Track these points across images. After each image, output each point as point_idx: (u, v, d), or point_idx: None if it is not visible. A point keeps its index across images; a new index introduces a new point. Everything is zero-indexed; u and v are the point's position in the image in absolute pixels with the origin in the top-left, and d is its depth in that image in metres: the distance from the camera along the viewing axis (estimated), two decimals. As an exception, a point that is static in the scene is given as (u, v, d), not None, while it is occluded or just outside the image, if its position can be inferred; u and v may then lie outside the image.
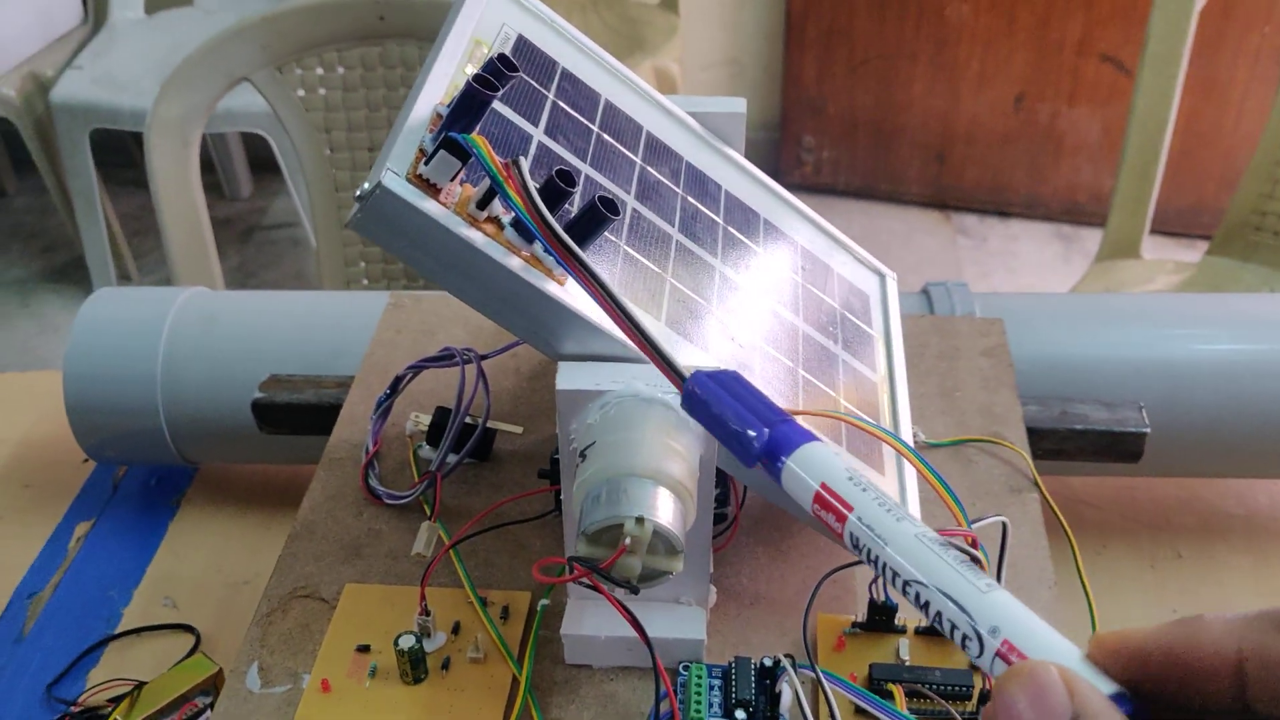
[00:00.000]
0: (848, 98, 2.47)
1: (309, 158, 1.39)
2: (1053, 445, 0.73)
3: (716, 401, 0.42)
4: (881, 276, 0.66)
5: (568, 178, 0.45)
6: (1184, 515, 0.90)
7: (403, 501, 0.62)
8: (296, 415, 0.77)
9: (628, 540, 0.42)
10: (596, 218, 0.45)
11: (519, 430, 0.65)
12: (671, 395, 0.46)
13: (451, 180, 0.45)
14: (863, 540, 0.37)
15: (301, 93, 1.39)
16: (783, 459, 0.40)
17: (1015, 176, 2.48)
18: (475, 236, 0.45)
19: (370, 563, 0.59)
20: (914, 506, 0.54)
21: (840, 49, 2.41)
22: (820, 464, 0.40)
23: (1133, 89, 1.54)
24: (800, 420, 0.44)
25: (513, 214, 0.46)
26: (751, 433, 0.41)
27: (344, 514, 0.62)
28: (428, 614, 0.54)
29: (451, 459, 0.62)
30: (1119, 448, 0.73)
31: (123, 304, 0.92)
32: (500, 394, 0.68)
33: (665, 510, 0.43)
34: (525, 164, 0.44)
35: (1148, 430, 0.72)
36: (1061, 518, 0.62)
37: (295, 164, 2.18)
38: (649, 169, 0.57)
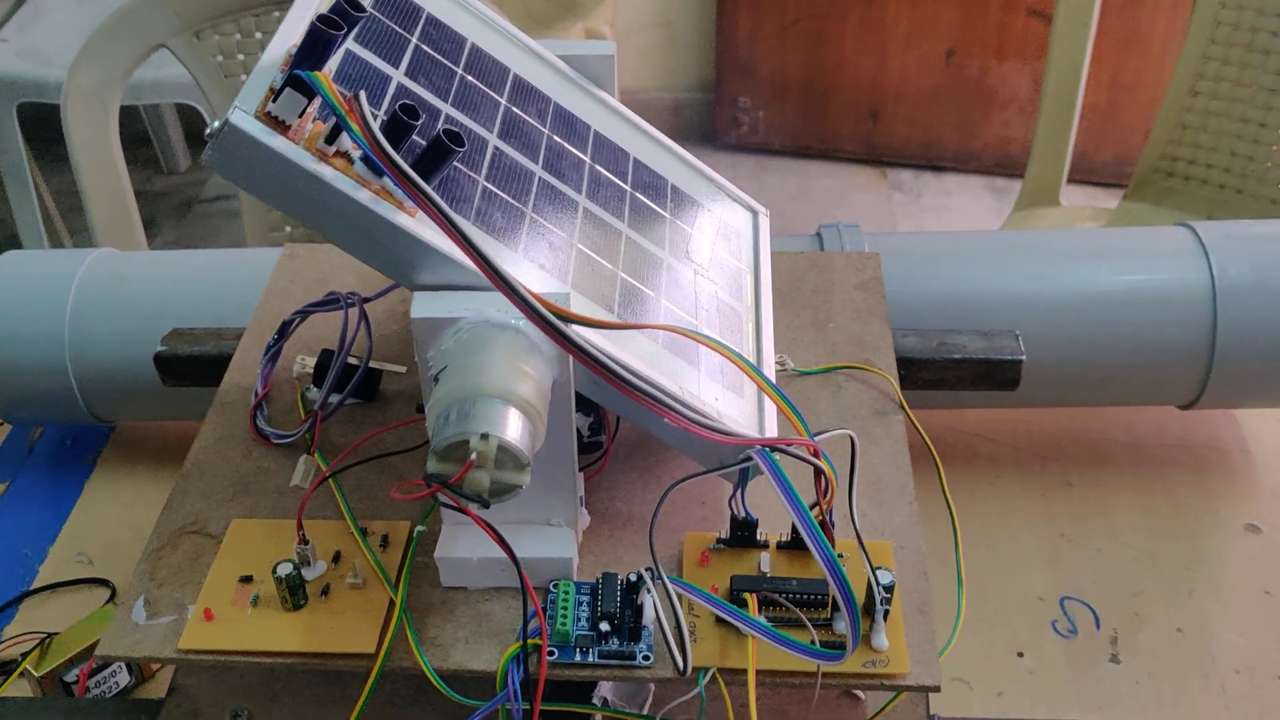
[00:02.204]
0: (780, 58, 2.48)
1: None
2: (932, 375, 0.75)
3: None
4: (754, 213, 0.69)
5: (411, 111, 0.46)
6: (1073, 445, 0.94)
7: (288, 440, 0.63)
8: (198, 367, 0.78)
9: (474, 455, 0.44)
10: (442, 149, 0.47)
11: (403, 369, 0.66)
12: (522, 321, 0.48)
13: (300, 117, 0.47)
14: None
15: (220, 58, 1.40)
16: None
17: (947, 131, 2.51)
18: (324, 171, 0.47)
19: (258, 499, 0.61)
20: (771, 429, 0.57)
21: (771, 10, 2.43)
22: None
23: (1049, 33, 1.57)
24: (660, 352, 0.47)
25: (361, 149, 0.48)
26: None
27: (233, 454, 0.64)
28: (306, 543, 0.56)
29: (335, 399, 0.64)
30: (996, 375, 0.76)
31: (29, 265, 0.93)
32: (388, 336, 0.69)
33: (510, 427, 0.45)
34: (365, 97, 0.45)
35: (1023, 357, 0.75)
36: (926, 437, 0.65)
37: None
38: (514, 109, 0.59)
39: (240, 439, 0.65)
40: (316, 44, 0.46)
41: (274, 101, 0.46)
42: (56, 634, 0.77)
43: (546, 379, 0.48)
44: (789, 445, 0.49)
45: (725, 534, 0.57)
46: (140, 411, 0.93)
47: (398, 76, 0.54)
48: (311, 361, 0.66)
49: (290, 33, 0.50)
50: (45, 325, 0.89)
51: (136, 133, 2.63)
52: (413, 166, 0.48)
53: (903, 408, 0.65)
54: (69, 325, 0.88)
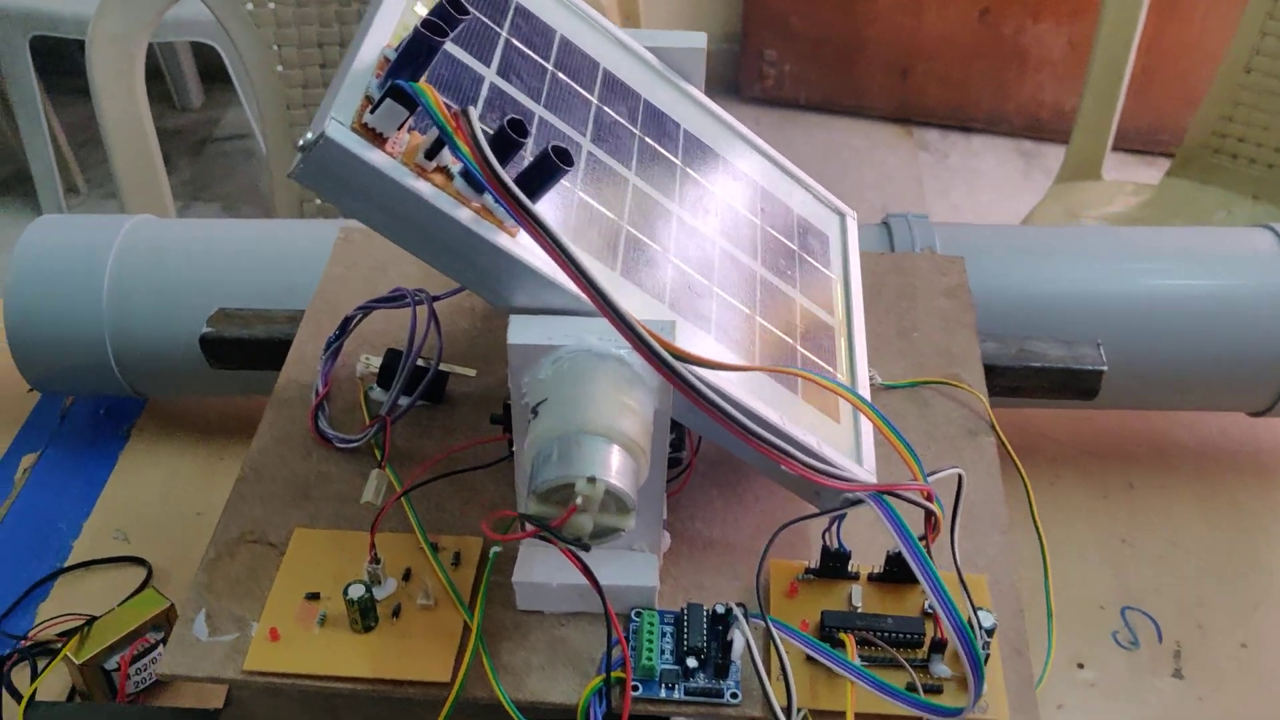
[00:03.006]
0: (811, 11, 2.43)
1: (259, 74, 1.35)
2: (1010, 383, 0.73)
3: None
4: (841, 216, 0.66)
5: (520, 127, 0.43)
6: (1136, 446, 0.91)
7: (353, 445, 0.61)
8: (246, 350, 0.76)
9: (579, 500, 0.42)
10: (549, 168, 0.44)
11: (472, 373, 0.64)
12: (625, 350, 0.45)
13: (399, 129, 0.44)
14: None
15: (250, 6, 1.35)
16: None
17: (979, 92, 2.47)
18: (423, 188, 0.44)
19: (319, 506, 0.59)
20: (869, 455, 0.54)
21: (805, -39, 2.37)
22: None
23: (1099, 5, 1.52)
24: (758, 374, 0.44)
25: (462, 164, 0.45)
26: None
27: (292, 457, 0.61)
28: (377, 562, 0.54)
29: (403, 402, 0.61)
30: (1076, 385, 0.73)
31: (65, 232, 0.89)
32: (454, 335, 0.66)
33: (617, 468, 0.43)
34: (475, 114, 0.42)
35: (1105, 368, 0.73)
36: (1017, 461, 0.62)
37: (245, 76, 2.13)
38: (605, 109, 0.56)
39: (299, 440, 0.62)
40: (419, 51, 0.43)
41: (372, 113, 0.43)
42: (96, 618, 0.75)
43: (649, 411, 0.46)
44: (905, 490, 0.46)
45: (814, 563, 0.55)
46: (180, 387, 0.91)
47: (490, 76, 0.51)
48: (376, 361, 0.63)
49: (381, 32, 0.47)
50: (82, 296, 0.85)
51: (149, 68, 2.57)
52: (517, 183, 0.44)
53: (993, 428, 0.62)
54: (106, 297, 0.85)
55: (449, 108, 0.42)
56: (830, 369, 0.56)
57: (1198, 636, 0.79)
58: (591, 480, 0.42)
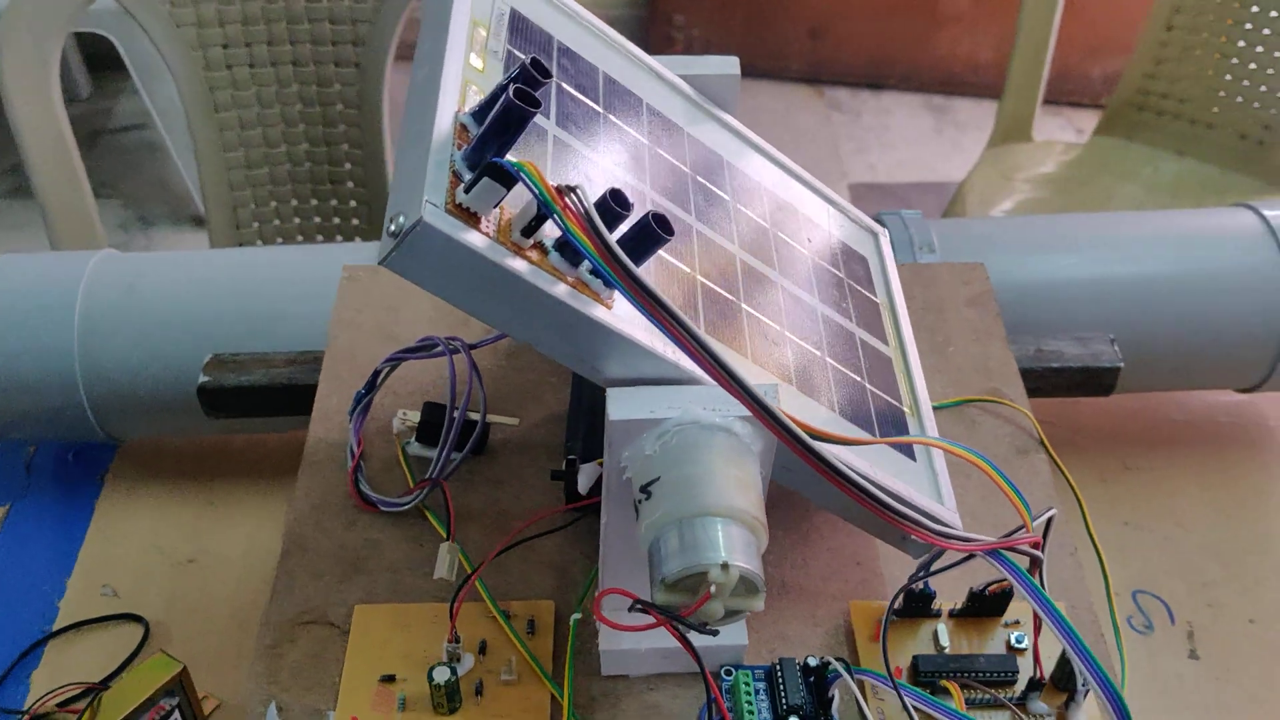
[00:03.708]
0: (720, -27, 2.41)
1: (186, 78, 1.29)
2: (1029, 384, 0.73)
3: None
4: (874, 235, 0.64)
5: (622, 200, 0.41)
6: (1129, 427, 0.93)
7: (402, 508, 0.58)
8: (246, 399, 0.72)
9: (713, 587, 0.40)
10: (651, 237, 0.42)
11: (515, 422, 0.61)
12: (733, 419, 0.44)
13: (494, 207, 0.41)
14: None
15: (169, 7, 1.28)
16: None
17: (892, 48, 2.48)
18: (521, 266, 0.41)
19: (374, 578, 0.56)
20: (948, 494, 0.53)
21: (711, -78, 2.35)
22: None
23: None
24: (841, 449, 0.43)
25: (556, 237, 0.42)
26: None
27: (334, 525, 0.58)
28: (457, 640, 0.51)
29: (449, 457, 0.59)
30: (1094, 383, 0.74)
31: (28, 270, 0.84)
32: (488, 381, 0.64)
33: (745, 550, 0.41)
34: (585, 194, 0.40)
35: (1121, 365, 0.73)
36: (1069, 476, 0.62)
37: (144, 65, 2.03)
38: (660, 151, 0.54)
39: (338, 506, 0.59)
40: (512, 123, 0.40)
41: (467, 192, 0.40)
42: (106, 688, 0.71)
43: (759, 481, 0.44)
44: (1020, 544, 0.46)
45: (889, 597, 0.54)
46: (163, 429, 0.86)
47: (551, 128, 0.48)
48: (415, 416, 0.60)
49: (450, 96, 0.44)
50: (51, 338, 0.80)
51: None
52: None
53: (1043, 444, 0.62)
54: (78, 338, 0.80)
55: (551, 185, 0.40)
56: (897, 403, 0.56)
57: (1208, 616, 0.81)
58: (725, 567, 0.40)
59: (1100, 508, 0.87)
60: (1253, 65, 1.50)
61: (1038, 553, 0.46)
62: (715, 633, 0.42)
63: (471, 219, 0.41)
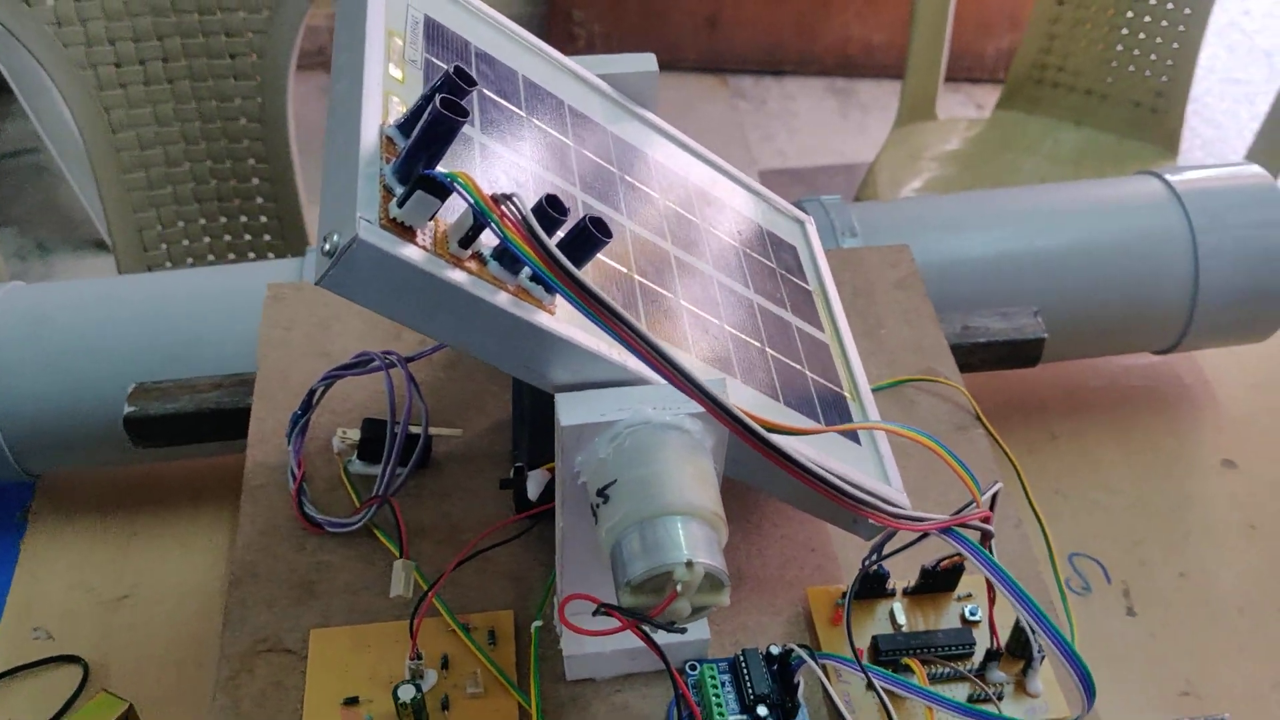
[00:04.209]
0: (613, -34, 2.41)
1: (77, 99, 1.25)
2: (958, 360, 0.74)
3: None
4: (801, 224, 0.65)
5: (559, 205, 0.41)
6: (1052, 396, 0.95)
7: (350, 529, 0.57)
8: (174, 427, 0.71)
9: (679, 586, 0.40)
10: (589, 241, 0.42)
11: (459, 433, 0.61)
12: (684, 417, 0.44)
13: (429, 219, 0.41)
14: None
15: (51, 28, 1.24)
16: None
17: (786, 34, 2.50)
18: (460, 278, 0.41)
19: (328, 601, 0.55)
20: (894, 474, 0.54)
21: (602, -83, 2.34)
22: None
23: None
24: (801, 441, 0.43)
25: (495, 246, 0.42)
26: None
27: (284, 549, 0.57)
28: (419, 658, 0.51)
29: (399, 473, 0.58)
30: (1019, 355, 0.75)
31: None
32: (427, 393, 0.63)
33: (708, 547, 0.41)
34: (523, 202, 0.39)
35: (1045, 336, 0.75)
36: (1008, 449, 0.63)
37: (30, 85, 1.97)
38: (585, 152, 0.53)
39: (286, 530, 0.58)
40: (441, 134, 0.40)
41: (400, 206, 0.40)
42: (50, 738, 0.70)
43: (715, 476, 0.44)
44: (971, 520, 0.46)
45: (847, 585, 0.55)
46: (84, 461, 0.84)
47: (477, 135, 0.48)
48: (355, 434, 0.59)
49: (373, 108, 0.43)
50: (-41, 379, 0.78)
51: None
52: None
53: (980, 419, 0.63)
54: (-12, 378, 0.78)
55: (488, 195, 0.40)
56: (838, 388, 0.56)
57: (1142, 574, 0.83)
58: (689, 565, 0.40)
59: (1031, 478, 0.89)
60: (1142, 35, 1.54)
61: (988, 527, 0.47)
62: (684, 630, 0.42)
63: (407, 233, 0.40)
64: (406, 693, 0.49)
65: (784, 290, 0.58)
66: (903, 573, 0.55)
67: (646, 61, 0.59)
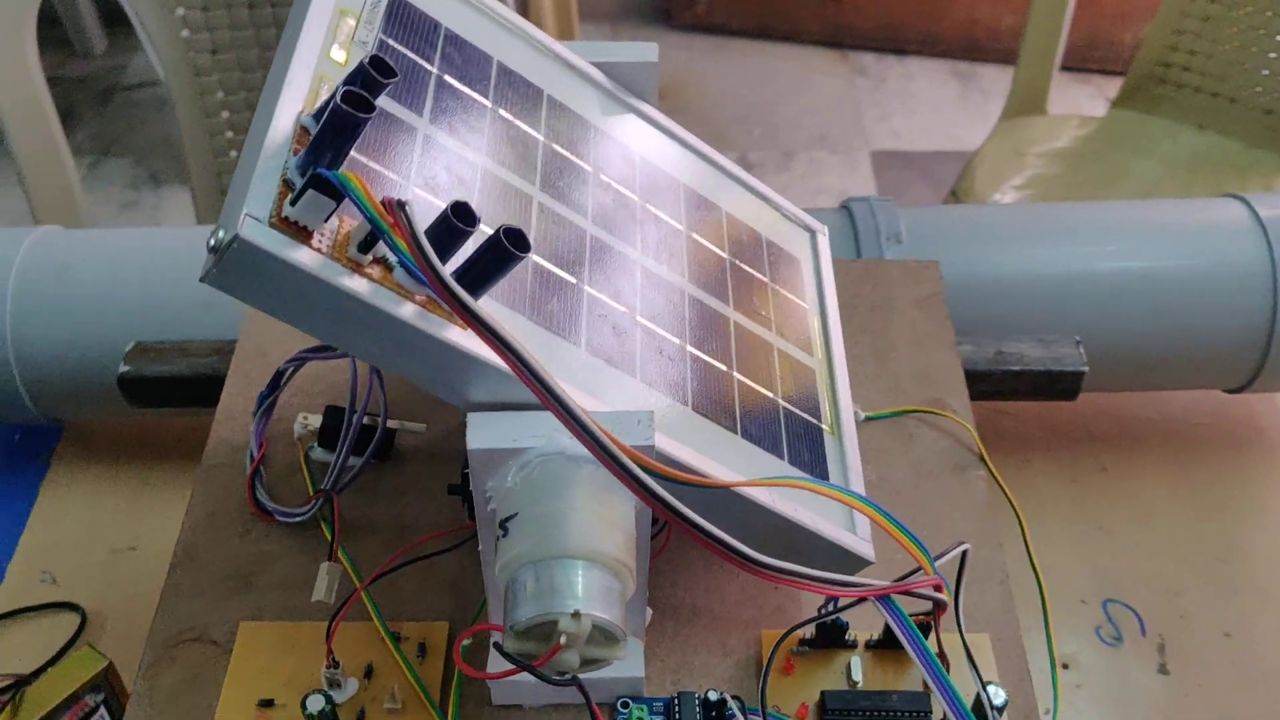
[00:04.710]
0: (740, -67, 2.35)
1: (163, 40, 1.26)
2: (989, 388, 0.69)
3: None
4: (811, 233, 0.60)
5: (466, 214, 0.38)
6: (1106, 427, 0.88)
7: (297, 520, 0.55)
8: (167, 389, 0.70)
9: (563, 638, 0.37)
10: (502, 256, 0.38)
11: (422, 428, 0.58)
12: (599, 450, 0.40)
13: (325, 220, 0.38)
14: None
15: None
16: None
17: (912, 13, 2.40)
18: (359, 286, 0.38)
19: (264, 594, 0.53)
20: (861, 519, 0.50)
21: (731, -120, 2.28)
22: None
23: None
24: (745, 490, 0.39)
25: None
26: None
27: (229, 534, 0.56)
28: (336, 665, 0.49)
29: (353, 462, 0.56)
30: (1056, 387, 0.70)
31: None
32: (393, 383, 0.61)
33: (602, 598, 0.38)
34: (414, 210, 0.36)
35: (1085, 369, 0.69)
36: (1012, 499, 0.59)
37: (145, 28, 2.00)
38: (556, 147, 0.50)
39: (235, 514, 0.56)
40: (342, 129, 0.37)
41: (292, 204, 0.37)
42: (29, 684, 0.70)
43: (632, 518, 0.41)
44: (917, 588, 0.42)
45: (809, 633, 0.51)
46: (96, 412, 0.84)
47: (423, 127, 0.45)
48: (316, 420, 0.57)
49: (294, 94, 0.41)
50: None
51: (44, 11, 2.43)
52: (466, 271, 0.39)
53: (983, 459, 0.58)
54: (10, 320, 0.78)
55: (380, 200, 0.37)
56: (816, 420, 0.52)
57: (1181, 628, 0.77)
58: (576, 615, 0.37)
59: (1071, 510, 0.84)
60: None
61: (938, 595, 0.43)
62: (574, 681, 0.39)
63: (301, 233, 0.37)
64: (315, 703, 0.47)
65: (771, 308, 0.54)
66: (868, 623, 0.51)
67: (647, 51, 0.55)
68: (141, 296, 0.78)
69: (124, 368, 0.70)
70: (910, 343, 0.63)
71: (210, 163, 1.36)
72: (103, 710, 0.70)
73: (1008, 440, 0.88)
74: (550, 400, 0.36)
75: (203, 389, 0.69)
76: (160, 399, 0.70)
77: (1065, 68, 2.33)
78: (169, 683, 0.50)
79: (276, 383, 0.58)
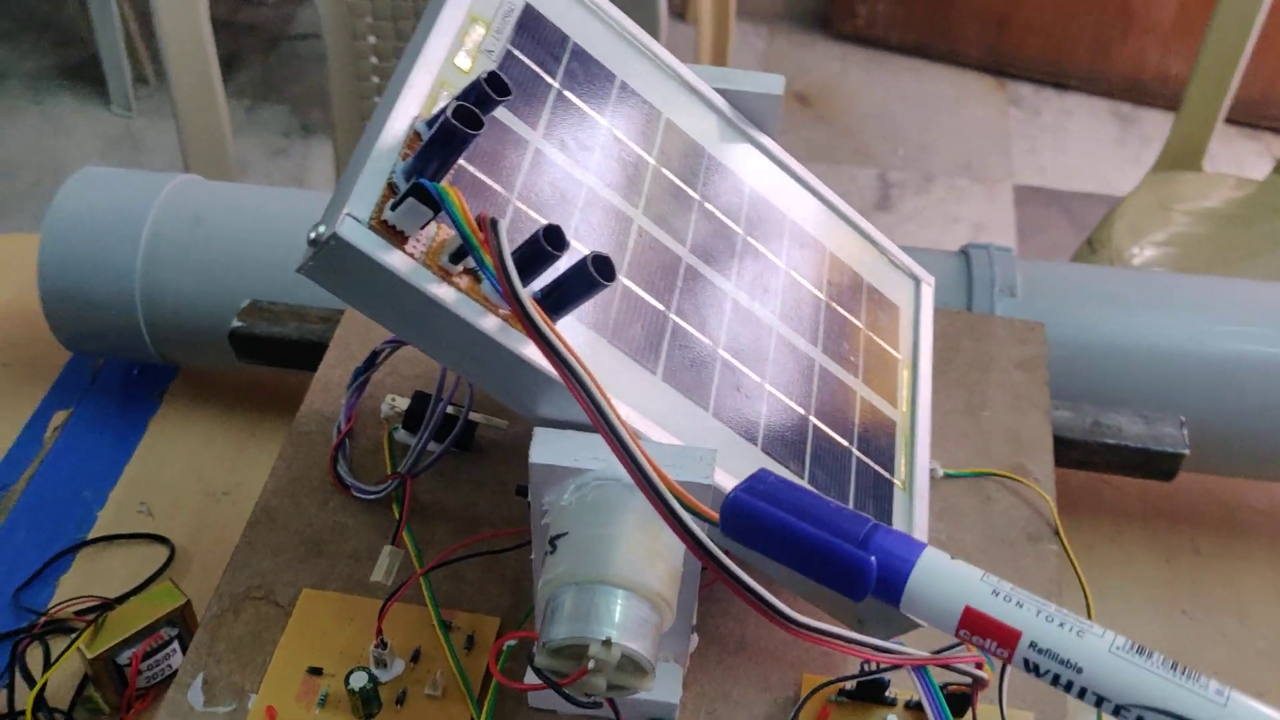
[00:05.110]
0: (910, -52, 2.31)
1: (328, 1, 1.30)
2: (1080, 456, 0.68)
3: (775, 524, 0.36)
4: (916, 282, 0.60)
5: (556, 239, 0.38)
6: (1207, 508, 0.86)
7: (371, 497, 0.57)
8: (275, 348, 0.72)
9: (591, 663, 0.38)
10: (586, 282, 0.39)
11: (504, 424, 0.60)
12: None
13: (422, 227, 0.39)
14: (1044, 666, 0.32)
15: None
16: (901, 587, 0.35)
17: (1079, 49, 2.34)
18: (446, 294, 0.39)
19: (332, 563, 0.55)
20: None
21: (907, -106, 2.25)
22: (953, 581, 0.34)
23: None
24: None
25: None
26: (856, 565, 0.35)
27: (309, 502, 0.58)
28: (384, 646, 0.50)
29: (433, 448, 0.57)
30: (1152, 466, 0.68)
31: (104, 188, 0.86)
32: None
33: (636, 629, 0.39)
34: (504, 228, 0.37)
35: (1186, 452, 0.67)
36: (1082, 577, 0.57)
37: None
38: (664, 171, 0.50)
39: (317, 483, 0.58)
40: (449, 143, 0.38)
41: (392, 209, 0.38)
42: (111, 609, 0.73)
43: (679, 552, 0.41)
44: (957, 663, 0.42)
45: (850, 685, 0.51)
46: (210, 361, 0.88)
47: (536, 140, 0.46)
48: (403, 403, 0.59)
49: (412, 98, 0.42)
50: (117, 256, 0.82)
51: (224, -42, 2.53)
52: (552, 290, 0.40)
53: (1058, 534, 0.57)
54: (141, 262, 0.82)
55: (474, 216, 0.38)
56: (888, 474, 0.52)
57: (1257, 729, 0.74)
58: (607, 643, 0.38)
59: (1158, 591, 0.81)
60: None
61: (980, 674, 0.42)
62: (599, 704, 0.40)
63: (397, 237, 0.39)
64: (358, 680, 0.49)
65: (861, 353, 0.54)
66: (911, 683, 0.50)
67: (773, 83, 0.55)
68: (266, 255, 0.80)
69: (236, 323, 0.73)
70: (1004, 404, 0.62)
71: (355, 123, 1.40)
72: (175, 645, 0.73)
73: (1103, 509, 0.86)
74: (602, 424, 0.37)
75: (308, 353, 0.72)
76: (267, 357, 0.73)
77: (1235, 121, 2.26)
78: (230, 635, 0.53)
79: (372, 361, 0.60)
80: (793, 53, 2.48)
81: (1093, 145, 2.32)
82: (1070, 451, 0.67)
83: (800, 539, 0.36)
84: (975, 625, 0.33)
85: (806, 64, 2.45)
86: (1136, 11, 2.24)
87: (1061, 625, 0.32)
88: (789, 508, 0.36)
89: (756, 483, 0.37)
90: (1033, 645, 0.32)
